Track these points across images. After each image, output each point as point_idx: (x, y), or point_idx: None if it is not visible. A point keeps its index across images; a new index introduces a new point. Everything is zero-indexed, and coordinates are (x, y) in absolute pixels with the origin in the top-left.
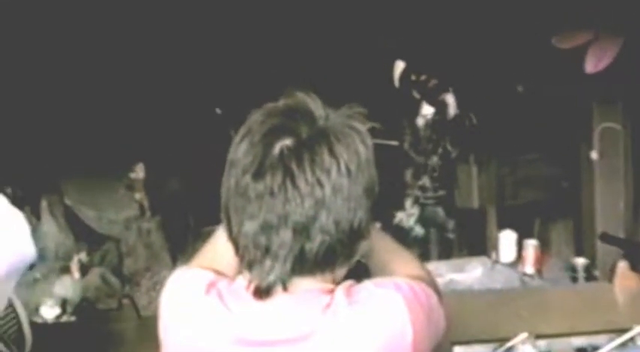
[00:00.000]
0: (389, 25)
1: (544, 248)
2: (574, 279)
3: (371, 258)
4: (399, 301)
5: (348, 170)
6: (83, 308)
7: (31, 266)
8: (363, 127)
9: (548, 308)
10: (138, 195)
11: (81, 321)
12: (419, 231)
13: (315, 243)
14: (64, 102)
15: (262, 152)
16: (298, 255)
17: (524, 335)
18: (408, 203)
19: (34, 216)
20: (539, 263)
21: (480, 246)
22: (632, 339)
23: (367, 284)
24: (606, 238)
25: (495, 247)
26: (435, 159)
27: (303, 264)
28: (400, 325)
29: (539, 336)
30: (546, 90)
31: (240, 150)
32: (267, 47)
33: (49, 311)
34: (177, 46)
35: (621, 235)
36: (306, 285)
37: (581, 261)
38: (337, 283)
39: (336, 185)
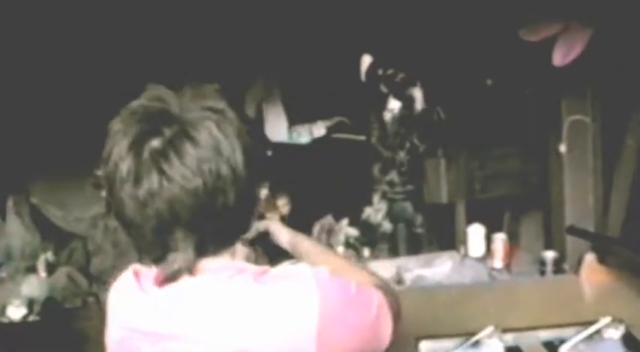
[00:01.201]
0: (356, 19)
1: (513, 242)
2: (543, 273)
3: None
4: (311, 288)
5: (232, 144)
6: (49, 307)
7: None
8: (218, 104)
9: (516, 301)
10: (104, 193)
11: (46, 320)
12: (387, 226)
13: (209, 228)
14: (29, 102)
15: (132, 161)
16: (198, 244)
17: (490, 329)
18: (376, 198)
19: None
20: (508, 257)
21: (448, 240)
22: (598, 331)
23: (283, 265)
24: (574, 231)
25: (464, 241)
26: (402, 154)
27: (205, 249)
28: (305, 310)
29: (506, 330)
30: (515, 83)
31: (111, 164)
32: (234, 40)
33: (16, 312)
34: (138, 44)
35: (591, 228)
36: (212, 265)
37: (550, 255)
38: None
39: (214, 170)
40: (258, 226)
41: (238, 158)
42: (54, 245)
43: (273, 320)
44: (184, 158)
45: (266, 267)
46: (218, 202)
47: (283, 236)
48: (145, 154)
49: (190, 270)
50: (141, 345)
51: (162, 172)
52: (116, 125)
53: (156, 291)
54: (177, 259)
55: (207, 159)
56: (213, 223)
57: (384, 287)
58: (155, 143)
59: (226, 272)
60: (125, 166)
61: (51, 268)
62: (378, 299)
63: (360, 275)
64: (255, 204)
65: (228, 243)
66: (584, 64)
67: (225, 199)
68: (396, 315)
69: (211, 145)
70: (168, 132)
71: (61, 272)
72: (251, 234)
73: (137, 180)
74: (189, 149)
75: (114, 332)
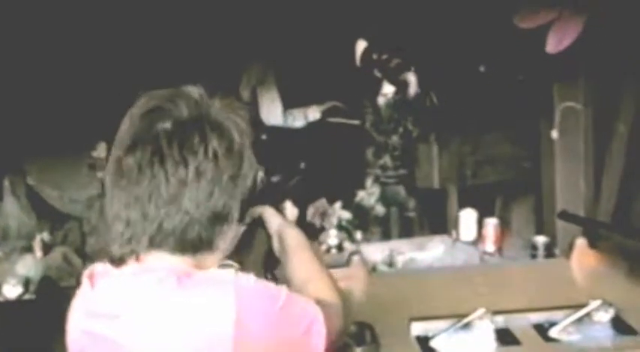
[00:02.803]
0: (351, 4)
1: (505, 226)
2: (534, 257)
3: (289, 265)
4: (229, 297)
5: (215, 155)
6: (45, 286)
7: None
8: (242, 121)
9: (507, 284)
10: (100, 174)
11: (42, 299)
12: (380, 209)
13: (173, 221)
14: (25, 82)
15: (138, 130)
16: (156, 230)
17: (481, 311)
18: (369, 182)
19: None
20: (500, 241)
21: (440, 224)
22: (588, 314)
23: (208, 272)
24: (565, 216)
25: (456, 226)
26: (395, 139)
27: (162, 241)
28: (221, 319)
29: (497, 312)
30: (507, 70)
31: (122, 129)
32: (230, 24)
33: (12, 290)
34: (136, 29)
35: (582, 213)
36: (163, 263)
37: (541, 239)
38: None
39: (200, 167)
40: (253, 211)
41: (230, 170)
42: (50, 225)
43: (189, 327)
44: (185, 146)
45: (195, 271)
46: (190, 200)
47: (274, 224)
48: (153, 130)
49: (137, 257)
50: (86, 345)
51: (158, 150)
52: (143, 97)
53: (94, 291)
54: (132, 241)
55: (205, 159)
56: (179, 217)
57: (332, 304)
58: (167, 124)
59: (157, 273)
60: (129, 134)
61: (47, 248)
62: (313, 315)
63: (322, 286)
64: (227, 222)
65: (189, 246)
66: (576, 51)
67: (197, 199)
68: (336, 333)
69: (215, 145)
70: (184, 117)
71: (57, 253)
72: (246, 219)
73: (131, 149)
74: (195, 140)
75: (70, 332)
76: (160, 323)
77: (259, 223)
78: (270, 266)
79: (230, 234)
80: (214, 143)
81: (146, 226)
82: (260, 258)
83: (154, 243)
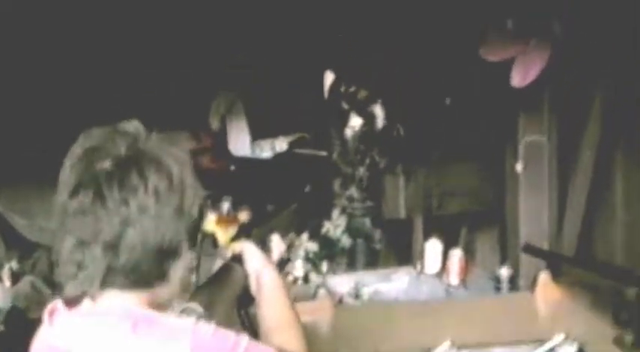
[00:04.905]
0: (319, 37)
1: (469, 256)
2: (498, 289)
3: (262, 308)
4: (185, 348)
5: (156, 191)
6: (13, 317)
7: None
8: (182, 153)
9: (472, 318)
10: None
11: (11, 330)
12: (346, 241)
13: (122, 259)
14: None
15: (79, 172)
16: (107, 270)
17: (447, 344)
18: (336, 213)
19: None
20: (464, 273)
21: (406, 255)
22: (552, 349)
23: (167, 317)
24: (529, 249)
25: (421, 257)
26: (362, 170)
27: (114, 279)
28: None
29: (462, 346)
30: (473, 103)
31: (64, 170)
32: (200, 54)
33: None
34: (103, 58)
35: (545, 246)
36: (117, 303)
37: (505, 272)
38: (160, 305)
39: (141, 204)
40: (234, 247)
41: (173, 204)
42: (18, 254)
43: None
44: (125, 185)
45: (153, 315)
46: (135, 238)
47: (253, 262)
48: (93, 171)
49: (93, 298)
50: None
51: (99, 192)
52: (81, 137)
53: (52, 327)
54: (85, 283)
55: (146, 196)
56: (126, 255)
57: None
58: (106, 164)
59: (112, 317)
60: (72, 176)
61: (15, 277)
62: None
63: (289, 337)
64: (176, 256)
65: (141, 282)
66: (541, 84)
67: (143, 236)
68: None
69: (154, 181)
70: (122, 155)
71: (25, 282)
72: (227, 254)
73: (74, 192)
74: (133, 177)
75: None
76: None
77: (239, 259)
78: (245, 304)
79: (183, 264)
80: (154, 179)
81: (95, 267)
82: (234, 294)
83: (105, 283)
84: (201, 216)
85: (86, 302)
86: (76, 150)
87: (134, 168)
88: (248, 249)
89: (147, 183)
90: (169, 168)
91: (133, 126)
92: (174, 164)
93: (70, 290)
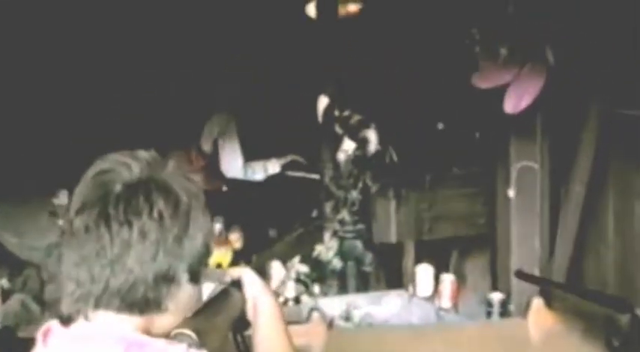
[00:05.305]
0: (314, 62)
1: (460, 281)
2: (489, 314)
3: (257, 336)
4: None
5: (161, 216)
6: (3, 335)
7: None
8: (194, 187)
9: (464, 343)
10: (61, 222)
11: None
12: (337, 263)
13: (118, 280)
14: None
15: (89, 192)
16: (102, 290)
17: None
18: (327, 236)
19: None
20: (455, 297)
21: (397, 279)
22: None
23: (160, 343)
24: (522, 275)
25: (412, 281)
26: (354, 194)
27: (110, 301)
28: None
29: None
30: (465, 128)
31: (77, 191)
32: (194, 75)
33: None
34: (97, 77)
35: (536, 272)
36: (111, 326)
37: (496, 296)
38: (155, 336)
39: (144, 228)
40: (232, 273)
41: (176, 231)
42: (8, 272)
43: None
44: (131, 206)
45: (146, 340)
46: (134, 260)
47: (251, 289)
48: (102, 190)
49: (86, 317)
50: None
51: (104, 212)
52: (97, 161)
53: (46, 349)
54: (80, 301)
55: (150, 220)
56: (123, 277)
57: None
58: (116, 186)
59: (105, 341)
60: (79, 196)
61: (5, 295)
62: None
63: None
64: (173, 283)
65: (135, 307)
66: (534, 110)
67: (142, 259)
68: None
69: (160, 207)
70: (133, 179)
71: (15, 300)
72: (225, 280)
73: (80, 210)
74: (140, 200)
75: None
76: None
77: (237, 285)
78: (241, 329)
79: (183, 296)
80: (160, 204)
81: (93, 286)
82: (230, 320)
83: (100, 303)
84: (207, 252)
85: (80, 323)
86: (90, 172)
87: (142, 192)
88: (246, 275)
89: (152, 208)
90: (178, 196)
91: (150, 154)
92: (183, 194)
93: (65, 308)
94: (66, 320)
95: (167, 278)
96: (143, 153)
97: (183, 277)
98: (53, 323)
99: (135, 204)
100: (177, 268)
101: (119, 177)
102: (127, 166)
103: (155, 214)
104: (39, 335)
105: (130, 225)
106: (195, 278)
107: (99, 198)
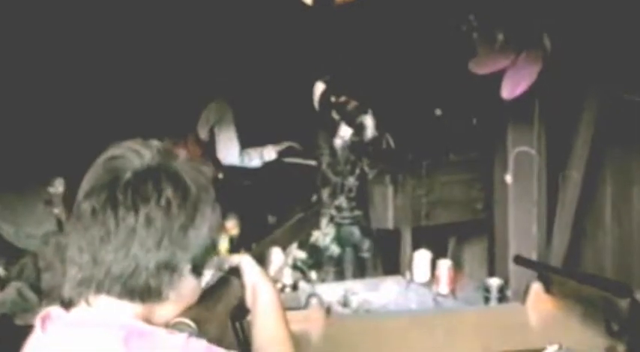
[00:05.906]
0: (311, 47)
1: (458, 268)
2: (487, 300)
3: (256, 322)
4: None
5: (168, 204)
6: (1, 324)
7: None
8: (204, 178)
9: (462, 329)
10: (57, 210)
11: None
12: (334, 249)
13: (121, 265)
14: None
15: (98, 177)
16: (104, 275)
17: None
18: (324, 222)
19: None
20: (453, 283)
21: (394, 265)
22: None
23: (160, 332)
24: (520, 261)
25: (410, 267)
26: (351, 180)
27: (110, 285)
28: None
29: None
30: (463, 114)
31: (86, 176)
32: (190, 63)
33: None
34: (94, 68)
35: (534, 257)
36: (111, 312)
37: (494, 282)
38: (156, 323)
39: (150, 215)
40: (231, 260)
41: (182, 220)
42: (5, 260)
43: None
44: (138, 193)
45: (146, 328)
46: (138, 246)
47: (250, 276)
48: (111, 175)
49: (87, 301)
50: None
51: (112, 196)
52: (109, 147)
53: (45, 335)
54: (81, 285)
55: (156, 207)
56: (126, 262)
57: None
58: (126, 173)
59: (105, 327)
60: (90, 180)
61: (2, 283)
62: None
63: None
64: (175, 272)
65: (136, 294)
66: (531, 96)
67: (146, 247)
68: None
69: (168, 195)
70: (144, 166)
71: (12, 288)
72: (224, 267)
73: (88, 194)
74: (149, 188)
75: None
76: None
77: (235, 272)
78: (239, 316)
79: (185, 286)
80: (168, 192)
81: (95, 270)
82: (229, 307)
83: (102, 288)
84: (212, 244)
85: (80, 309)
86: (102, 157)
87: (151, 179)
88: (245, 262)
89: (160, 195)
90: (187, 186)
91: (163, 144)
92: (193, 185)
93: (67, 291)
94: (67, 304)
95: (169, 267)
96: (156, 142)
97: (186, 268)
98: (52, 309)
99: (143, 190)
100: (180, 258)
101: (130, 163)
102: (138, 153)
103: (163, 202)
104: (38, 321)
105: (136, 210)
106: (198, 269)
107: (108, 183)
